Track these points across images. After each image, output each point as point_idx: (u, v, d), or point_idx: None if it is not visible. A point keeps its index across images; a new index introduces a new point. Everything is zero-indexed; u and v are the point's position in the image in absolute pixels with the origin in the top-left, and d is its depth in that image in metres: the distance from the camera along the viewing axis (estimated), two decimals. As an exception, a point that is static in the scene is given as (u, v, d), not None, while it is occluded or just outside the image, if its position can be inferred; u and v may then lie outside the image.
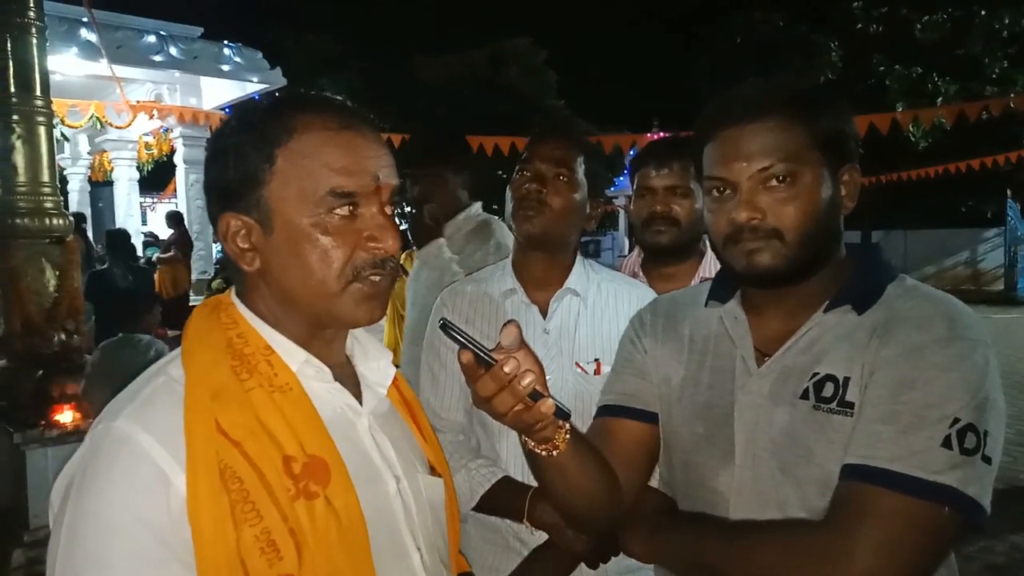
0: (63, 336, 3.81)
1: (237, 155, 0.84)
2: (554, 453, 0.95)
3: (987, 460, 0.88)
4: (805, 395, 0.99)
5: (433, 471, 1.00)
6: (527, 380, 0.82)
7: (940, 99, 16.22)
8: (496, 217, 2.43)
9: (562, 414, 0.87)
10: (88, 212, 12.17)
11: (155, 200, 20.07)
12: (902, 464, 0.88)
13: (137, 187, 12.16)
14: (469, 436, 1.60)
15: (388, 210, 0.87)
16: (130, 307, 6.19)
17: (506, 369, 0.81)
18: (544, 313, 1.59)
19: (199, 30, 10.48)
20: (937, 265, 17.13)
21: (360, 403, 0.92)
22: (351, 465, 0.83)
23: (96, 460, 0.76)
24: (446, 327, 0.82)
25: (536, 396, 0.83)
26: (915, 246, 17.20)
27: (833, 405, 0.96)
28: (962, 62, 16.31)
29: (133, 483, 0.73)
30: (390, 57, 21.89)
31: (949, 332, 0.94)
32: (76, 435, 3.20)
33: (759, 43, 18.52)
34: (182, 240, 10.39)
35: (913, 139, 16.39)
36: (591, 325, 1.59)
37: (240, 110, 0.89)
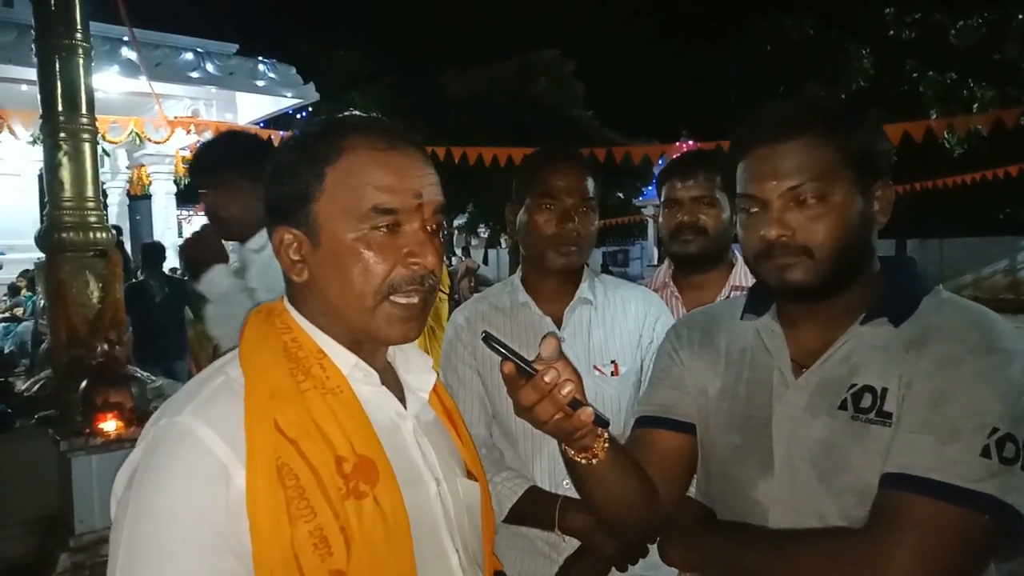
0: (106, 346, 3.91)
1: (291, 173, 0.89)
2: (593, 461, 0.97)
3: None
4: (843, 406, 1.00)
5: (469, 475, 1.03)
6: (567, 389, 0.85)
7: (976, 104, 15.90)
8: None
9: (601, 422, 0.90)
10: (126, 225, 12.47)
11: (191, 213, 20.49)
12: (941, 473, 0.89)
13: (174, 200, 12.44)
14: (491, 449, 1.64)
15: (430, 228, 0.91)
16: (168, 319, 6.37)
17: (546, 379, 0.84)
18: (558, 323, 1.65)
19: (234, 47, 10.73)
20: (974, 274, 16.76)
21: (404, 407, 0.96)
22: (396, 467, 0.86)
23: (159, 453, 0.80)
24: (489, 339, 0.85)
25: (576, 405, 0.86)
26: (951, 254, 16.86)
27: (871, 415, 0.97)
28: (998, 66, 15.98)
29: (194, 475, 0.77)
30: (419, 71, 22.12)
31: (986, 343, 0.95)
32: (119, 443, 3.27)
33: (789, 50, 18.36)
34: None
35: (948, 146, 16.08)
36: (604, 329, 1.66)
37: (296, 132, 0.94)
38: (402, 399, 0.97)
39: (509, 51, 21.43)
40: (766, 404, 1.08)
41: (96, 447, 3.30)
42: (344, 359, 0.90)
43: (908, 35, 17.49)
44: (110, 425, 3.38)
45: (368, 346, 0.94)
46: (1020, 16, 15.97)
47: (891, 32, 17.69)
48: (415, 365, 1.01)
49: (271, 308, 0.95)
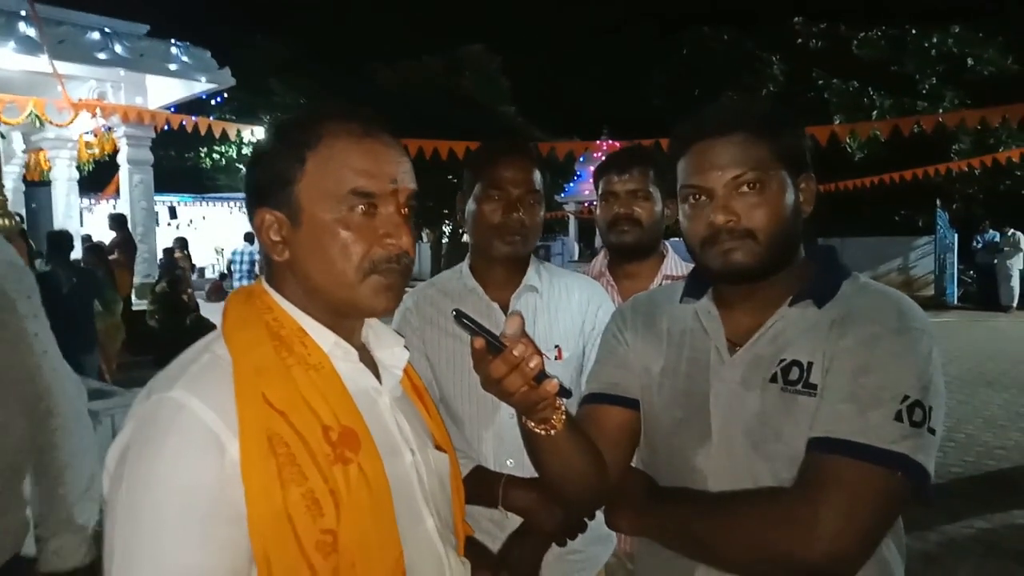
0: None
1: (273, 158, 0.94)
2: (552, 432, 1.03)
3: (932, 431, 1.01)
4: (774, 379, 1.09)
5: (438, 447, 1.08)
6: (534, 362, 0.91)
7: (875, 112, 16.95)
8: None
9: (565, 393, 0.96)
10: (23, 212, 11.71)
11: (93, 201, 19.38)
12: (861, 436, 0.99)
13: (77, 187, 11.77)
14: None
15: (404, 211, 0.96)
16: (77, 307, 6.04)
17: (515, 352, 0.90)
18: (505, 310, 1.70)
19: (145, 27, 10.23)
20: (872, 271, 17.69)
21: (379, 383, 1.00)
22: (375, 437, 0.91)
23: (153, 427, 0.82)
24: (460, 316, 0.90)
25: (541, 377, 0.92)
26: (851, 253, 17.75)
27: (799, 387, 1.07)
28: (896, 78, 17.09)
29: (189, 446, 0.80)
30: (346, 62, 21.69)
31: (900, 323, 1.06)
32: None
33: (708, 59, 19.13)
34: (125, 243, 10.11)
35: (850, 151, 17.08)
36: (548, 315, 1.71)
37: (280, 120, 0.99)
38: (376, 376, 1.01)
39: (439, 45, 21.30)
40: (704, 380, 1.16)
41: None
42: (324, 337, 0.94)
43: (815, 44, 18.48)
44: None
45: (348, 323, 0.98)
46: (914, 32, 17.14)
47: (799, 41, 18.64)
48: (386, 341, 1.05)
49: (251, 290, 0.98)
